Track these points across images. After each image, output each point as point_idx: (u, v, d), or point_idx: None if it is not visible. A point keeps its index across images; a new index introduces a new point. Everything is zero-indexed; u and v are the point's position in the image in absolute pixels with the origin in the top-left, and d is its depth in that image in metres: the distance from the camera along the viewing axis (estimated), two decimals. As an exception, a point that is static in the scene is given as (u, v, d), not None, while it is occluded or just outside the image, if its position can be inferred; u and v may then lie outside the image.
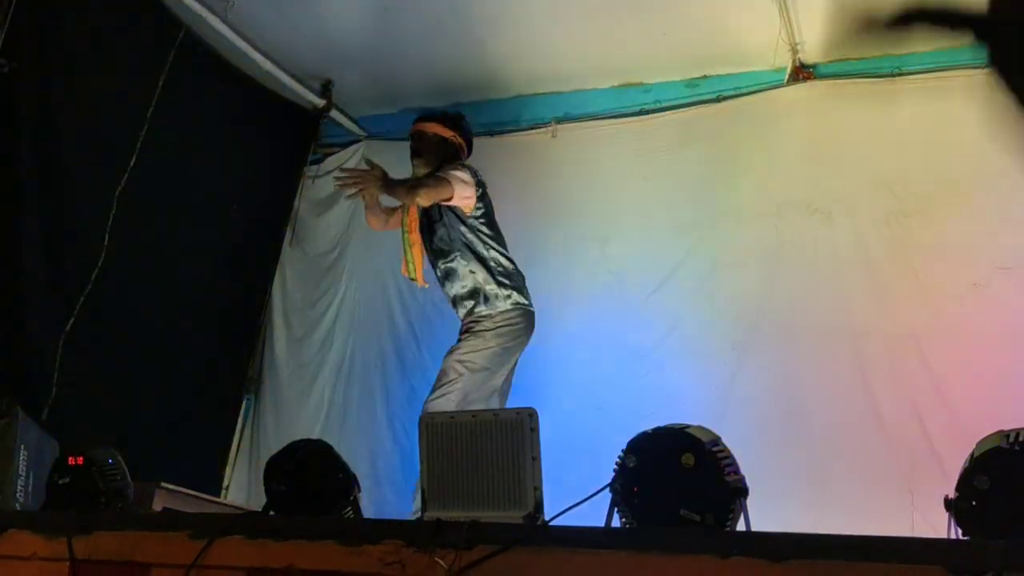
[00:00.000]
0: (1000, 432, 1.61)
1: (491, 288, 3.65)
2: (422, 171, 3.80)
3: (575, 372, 4.15)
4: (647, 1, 3.95)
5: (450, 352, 3.60)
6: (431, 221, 3.76)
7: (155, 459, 3.92)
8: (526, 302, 3.70)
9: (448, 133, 3.87)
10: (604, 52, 4.45)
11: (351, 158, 5.08)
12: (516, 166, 4.59)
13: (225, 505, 3.94)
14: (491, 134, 4.79)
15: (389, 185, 3.69)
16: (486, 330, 3.60)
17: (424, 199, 3.65)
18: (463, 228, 3.70)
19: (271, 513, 2.24)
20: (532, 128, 4.76)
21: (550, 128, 4.71)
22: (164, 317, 4.33)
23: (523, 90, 4.78)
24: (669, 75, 4.55)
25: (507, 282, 3.67)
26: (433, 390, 3.51)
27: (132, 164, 4.10)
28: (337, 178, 3.83)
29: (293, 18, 4.45)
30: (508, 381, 3.70)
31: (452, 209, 3.69)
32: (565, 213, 4.50)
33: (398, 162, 4.82)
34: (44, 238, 3.78)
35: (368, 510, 3.95)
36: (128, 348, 4.14)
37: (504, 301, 3.64)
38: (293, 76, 4.83)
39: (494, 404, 3.59)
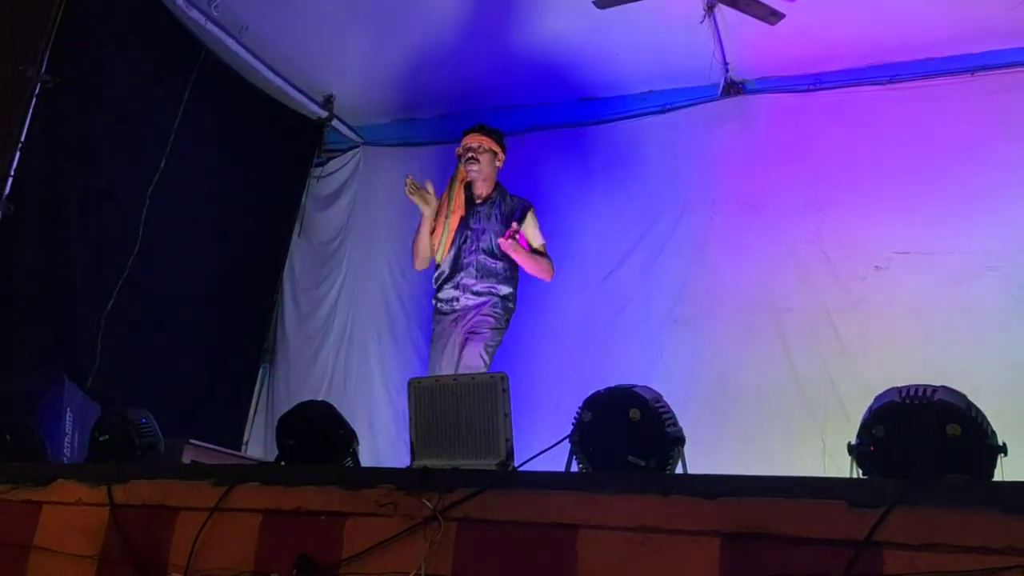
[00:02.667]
0: (894, 388, 1.62)
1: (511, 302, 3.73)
2: (480, 180, 3.79)
3: (543, 344, 4.16)
4: (603, 26, 3.92)
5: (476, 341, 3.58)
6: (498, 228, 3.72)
7: (184, 419, 3.92)
8: None
9: (499, 148, 3.88)
10: (565, 69, 4.43)
11: (350, 161, 5.06)
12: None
13: (244, 458, 3.93)
14: (470, 141, 4.77)
15: (523, 256, 3.69)
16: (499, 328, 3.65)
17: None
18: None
19: (282, 463, 2.23)
20: (505, 136, 4.72)
21: (519, 136, 4.68)
22: (191, 296, 4.31)
23: (498, 102, 4.75)
24: (622, 89, 4.53)
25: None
26: None
27: (162, 166, 4.07)
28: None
29: (300, 40, 4.41)
30: None
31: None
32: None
33: (392, 166, 4.83)
34: (87, 230, 3.77)
35: (366, 460, 3.97)
36: (160, 323, 4.12)
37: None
38: (300, 91, 4.79)
39: None
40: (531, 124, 4.66)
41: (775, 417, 3.70)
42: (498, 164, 3.88)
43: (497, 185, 3.87)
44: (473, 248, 3.71)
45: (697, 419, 3.55)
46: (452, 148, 4.26)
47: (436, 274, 3.80)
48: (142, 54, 3.99)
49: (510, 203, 3.82)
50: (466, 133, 3.88)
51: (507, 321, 3.71)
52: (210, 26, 4.16)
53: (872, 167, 3.86)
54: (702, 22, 3.90)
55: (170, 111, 4.12)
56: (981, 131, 3.73)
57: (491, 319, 3.64)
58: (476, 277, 3.68)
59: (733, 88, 4.32)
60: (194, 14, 4.10)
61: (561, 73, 4.49)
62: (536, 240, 3.80)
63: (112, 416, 2.56)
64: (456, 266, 3.72)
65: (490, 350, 3.60)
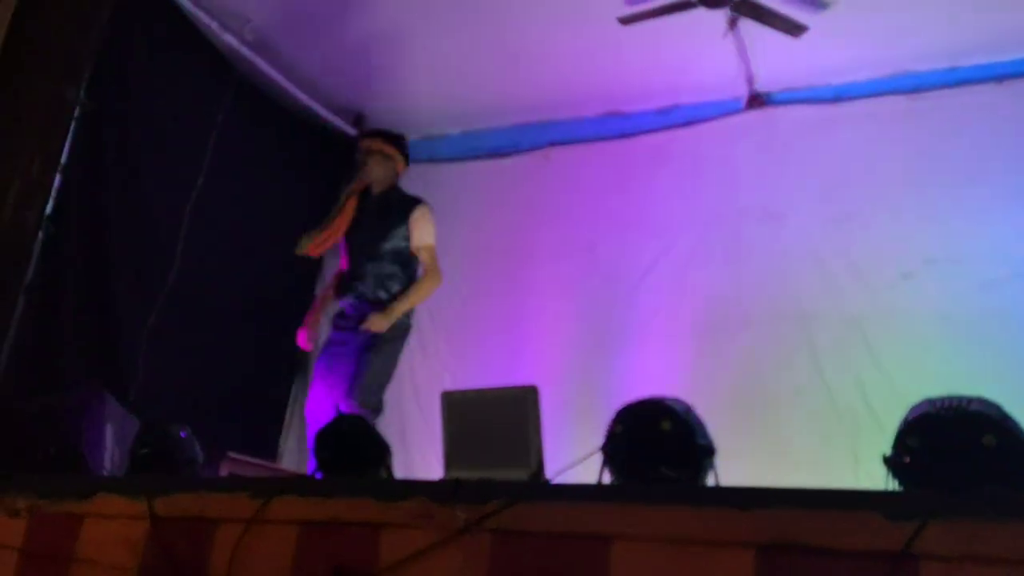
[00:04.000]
0: (928, 399, 1.59)
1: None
2: (373, 181, 3.79)
3: (573, 356, 4.14)
4: (626, 41, 3.92)
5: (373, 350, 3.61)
6: (385, 231, 3.72)
7: (222, 432, 3.95)
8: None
9: (391, 151, 3.84)
10: (587, 85, 4.44)
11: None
12: (515, 184, 4.60)
13: (280, 469, 3.94)
14: (496, 156, 4.80)
15: (402, 305, 3.70)
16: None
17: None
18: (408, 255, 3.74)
19: (319, 476, 2.24)
20: (529, 151, 4.74)
21: (545, 151, 4.70)
22: (229, 312, 4.36)
23: (522, 118, 4.77)
24: (644, 104, 4.52)
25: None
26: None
27: (199, 185, 4.13)
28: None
29: (329, 60, 4.46)
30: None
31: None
32: (558, 222, 4.49)
33: (419, 183, 4.83)
34: (128, 249, 3.84)
35: (399, 474, 3.98)
36: (200, 339, 4.17)
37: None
38: (330, 109, 4.84)
39: None
40: (556, 139, 4.66)
41: (806, 427, 3.67)
42: (397, 167, 3.85)
43: (394, 188, 3.84)
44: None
45: (726, 429, 3.48)
46: (477, 165, 4.29)
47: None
48: (178, 77, 4.06)
49: (399, 202, 3.77)
50: (360, 138, 3.93)
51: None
52: (243, 49, 4.22)
53: (898, 176, 3.82)
54: (725, 36, 3.88)
55: (205, 132, 4.18)
56: (1007, 138, 3.68)
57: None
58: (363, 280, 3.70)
59: (757, 101, 4.30)
60: (227, 38, 4.16)
61: (585, 88, 4.50)
62: (419, 241, 3.71)
63: (152, 430, 2.59)
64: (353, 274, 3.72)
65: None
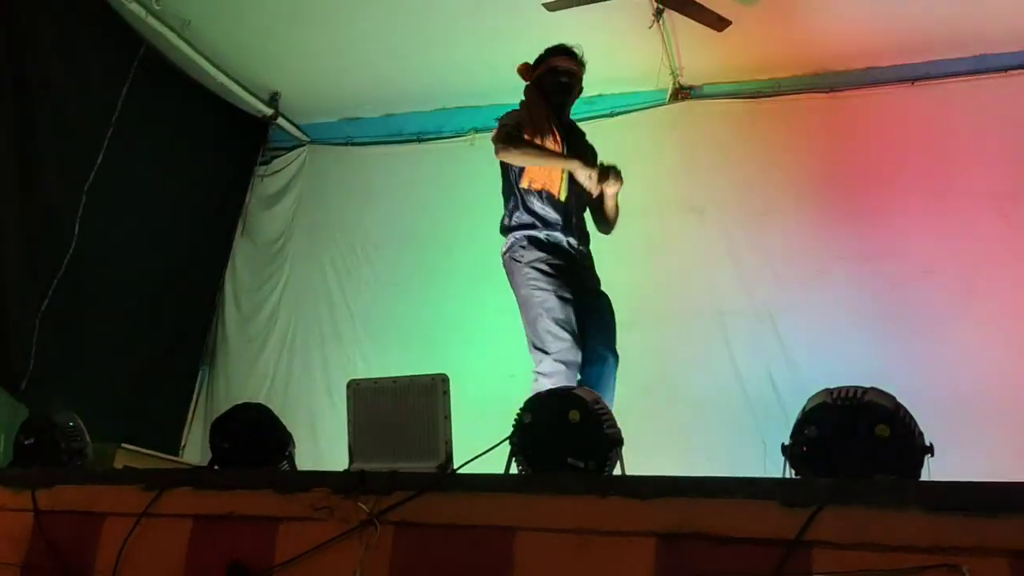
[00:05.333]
0: (826, 390, 1.65)
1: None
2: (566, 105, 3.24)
3: (490, 347, 4.14)
4: (549, 28, 3.93)
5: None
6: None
7: (122, 423, 3.83)
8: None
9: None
10: (513, 72, 4.43)
11: (295, 160, 4.99)
12: (439, 169, 4.57)
13: (180, 462, 3.84)
14: (419, 141, 4.76)
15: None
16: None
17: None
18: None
19: (215, 467, 2.19)
20: (454, 137, 4.72)
21: (469, 137, 4.68)
22: (130, 298, 4.23)
23: (447, 103, 4.74)
24: (571, 92, 4.55)
25: None
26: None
27: (99, 162, 3.98)
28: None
29: (245, 36, 4.35)
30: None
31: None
32: (480, 210, 4.46)
33: (337, 166, 4.79)
34: (21, 229, 3.66)
35: (308, 465, 3.91)
36: (98, 326, 4.04)
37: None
38: (244, 88, 4.72)
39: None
40: (480, 125, 4.65)
41: (719, 418, 3.76)
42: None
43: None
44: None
45: (644, 421, 3.60)
46: (399, 149, 4.24)
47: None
48: (79, 47, 3.90)
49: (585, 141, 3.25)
50: (552, 54, 3.29)
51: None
52: (151, 20, 4.07)
53: (815, 174, 3.95)
54: (651, 27, 3.93)
55: (108, 106, 4.03)
56: (917, 140, 3.85)
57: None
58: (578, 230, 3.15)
59: (682, 93, 4.38)
60: (134, 7, 4.01)
61: (510, 74, 4.48)
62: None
63: (38, 420, 2.48)
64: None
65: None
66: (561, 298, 2.97)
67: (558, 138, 3.15)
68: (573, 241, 3.12)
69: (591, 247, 3.18)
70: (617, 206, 3.22)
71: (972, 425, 3.27)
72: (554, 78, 3.24)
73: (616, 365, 3.04)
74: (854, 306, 3.72)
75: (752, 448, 3.40)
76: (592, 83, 4.48)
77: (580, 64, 3.28)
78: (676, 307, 4.00)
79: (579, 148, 3.24)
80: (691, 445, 3.67)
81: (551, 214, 3.08)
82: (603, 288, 3.78)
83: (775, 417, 3.51)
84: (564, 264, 3.05)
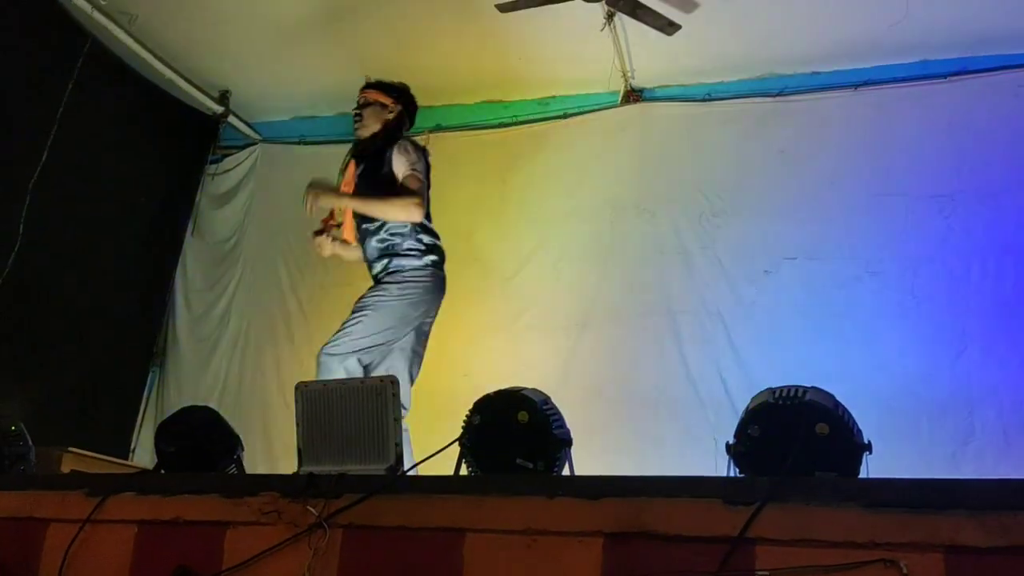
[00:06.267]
0: (769, 389, 1.68)
1: (409, 244, 3.17)
2: (364, 135, 3.30)
3: (442, 348, 4.11)
4: (502, 30, 3.94)
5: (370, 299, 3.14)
6: (372, 184, 3.21)
7: (69, 426, 3.74)
8: (440, 266, 3.25)
9: (388, 100, 3.36)
10: (470, 72, 4.44)
11: (247, 159, 4.92)
12: (393, 169, 4.53)
13: (130, 467, 3.76)
14: (373, 140, 4.72)
15: (362, 204, 3.16)
16: (394, 283, 3.13)
17: (421, 210, 3.15)
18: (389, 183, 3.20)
19: (161, 472, 2.14)
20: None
21: (424, 136, 4.65)
22: (77, 298, 4.13)
23: (401, 103, 4.71)
24: (524, 94, 4.56)
25: (423, 244, 3.20)
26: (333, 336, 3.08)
27: (44, 160, 3.87)
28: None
29: (194, 32, 4.27)
30: (421, 344, 3.21)
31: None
32: (435, 210, 4.44)
33: (290, 164, 4.71)
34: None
35: (262, 468, 3.87)
36: (44, 327, 3.94)
37: (418, 259, 3.17)
38: (193, 85, 4.63)
39: (398, 364, 3.10)
40: (433, 125, 4.63)
41: (672, 417, 3.79)
42: (388, 116, 3.33)
43: (382, 133, 3.32)
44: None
45: (597, 421, 3.64)
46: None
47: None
48: (22, 42, 3.79)
49: (380, 142, 3.27)
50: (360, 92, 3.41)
51: (405, 280, 3.12)
52: (97, 15, 3.97)
53: (762, 175, 4.02)
54: (602, 30, 3.95)
55: (53, 103, 3.92)
56: (862, 143, 3.93)
57: (383, 276, 3.18)
58: (365, 239, 3.23)
59: (633, 96, 4.41)
60: (80, 1, 3.91)
61: (464, 75, 4.49)
62: (400, 173, 3.18)
63: (-24, 424, 2.41)
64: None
65: (366, 308, 3.10)
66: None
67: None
68: None
69: None
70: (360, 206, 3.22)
71: (910, 424, 3.35)
72: None
73: None
74: (800, 305, 3.78)
75: (703, 446, 3.45)
76: (545, 85, 4.55)
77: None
78: (627, 307, 4.03)
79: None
80: (643, 444, 3.70)
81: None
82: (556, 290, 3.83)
83: (725, 415, 3.54)
84: None
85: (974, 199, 3.71)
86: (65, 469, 3.01)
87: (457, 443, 1.91)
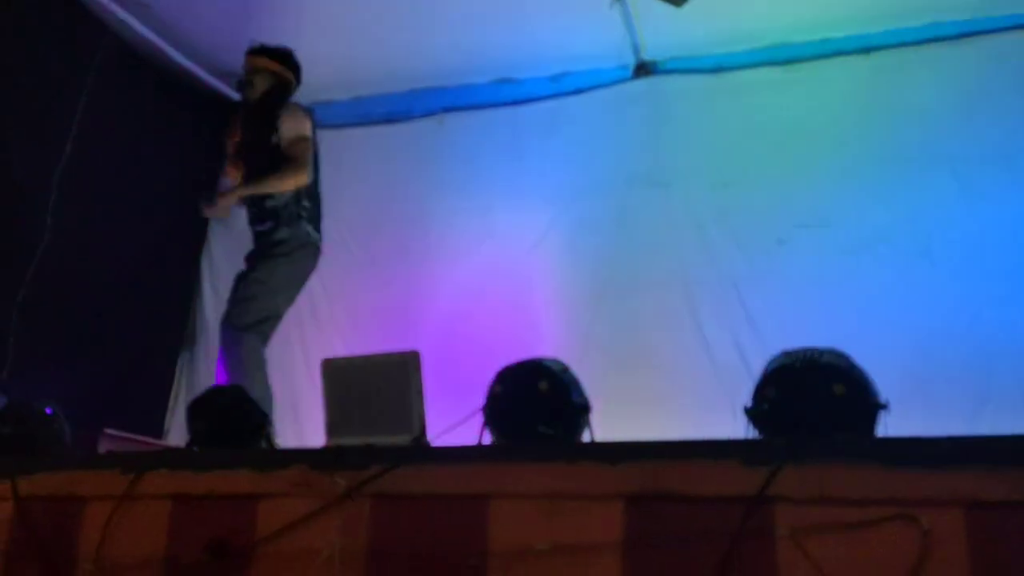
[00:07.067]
0: (784, 352, 1.66)
1: (292, 211, 3.46)
2: (253, 97, 3.59)
3: (463, 321, 4.14)
4: (512, 8, 3.90)
5: (249, 272, 3.50)
6: (257, 142, 3.52)
7: (105, 409, 3.77)
8: (317, 235, 3.56)
9: (277, 67, 3.64)
10: (481, 51, 4.40)
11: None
12: (408, 150, 4.53)
13: (161, 445, 3.81)
14: (388, 122, 4.71)
15: (252, 186, 3.46)
16: (282, 254, 3.46)
17: (306, 174, 3.44)
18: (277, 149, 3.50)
19: (193, 448, 2.17)
20: (423, 117, 4.67)
21: (438, 117, 4.64)
22: (107, 284, 4.14)
23: (415, 84, 4.68)
24: (535, 71, 4.51)
25: (306, 211, 3.49)
26: (232, 305, 3.44)
27: (68, 152, 3.89)
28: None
29: (209, 21, 4.25)
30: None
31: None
32: (451, 189, 4.46)
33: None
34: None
35: (291, 443, 3.89)
36: (76, 314, 3.95)
37: (301, 227, 3.48)
38: (212, 73, 4.62)
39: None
40: (448, 105, 4.61)
41: (689, 386, 3.77)
42: (280, 83, 3.62)
43: (270, 95, 3.61)
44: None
45: (615, 391, 3.61)
46: (367, 131, 4.19)
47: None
48: (42, 37, 3.79)
49: (271, 105, 3.55)
50: (245, 56, 3.70)
51: (291, 251, 3.48)
52: (113, 6, 3.97)
53: (773, 144, 3.96)
54: (611, 6, 3.91)
55: (74, 95, 3.92)
56: (872, 108, 3.87)
57: (269, 248, 3.51)
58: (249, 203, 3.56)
59: (644, 69, 4.35)
60: (96, -6, 3.92)
61: (478, 54, 4.45)
62: (289, 132, 3.47)
63: (15, 408, 2.45)
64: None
65: (264, 282, 3.48)
66: None
67: None
68: None
69: None
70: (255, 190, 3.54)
71: (928, 386, 3.32)
72: None
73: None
74: (815, 273, 3.75)
75: (720, 413, 3.41)
76: (556, 61, 4.50)
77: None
78: (643, 279, 4.01)
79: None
80: (660, 412, 3.68)
81: None
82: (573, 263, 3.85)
83: (742, 382, 3.49)
84: None
85: (988, 161, 3.64)
86: (102, 449, 3.05)
87: (480, 412, 1.92)
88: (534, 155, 4.41)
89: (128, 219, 4.28)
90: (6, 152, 3.66)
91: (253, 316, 3.43)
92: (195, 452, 2.14)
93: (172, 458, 2.08)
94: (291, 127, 3.45)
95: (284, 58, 3.68)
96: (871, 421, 1.58)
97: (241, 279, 3.56)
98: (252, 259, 3.58)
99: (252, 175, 3.50)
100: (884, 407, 1.58)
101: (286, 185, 3.42)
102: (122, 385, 4.25)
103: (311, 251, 3.58)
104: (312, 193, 3.58)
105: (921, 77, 3.83)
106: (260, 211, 3.53)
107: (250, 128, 3.57)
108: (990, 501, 1.37)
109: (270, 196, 3.46)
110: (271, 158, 3.44)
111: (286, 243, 3.49)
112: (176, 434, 4.46)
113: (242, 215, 4.84)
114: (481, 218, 4.37)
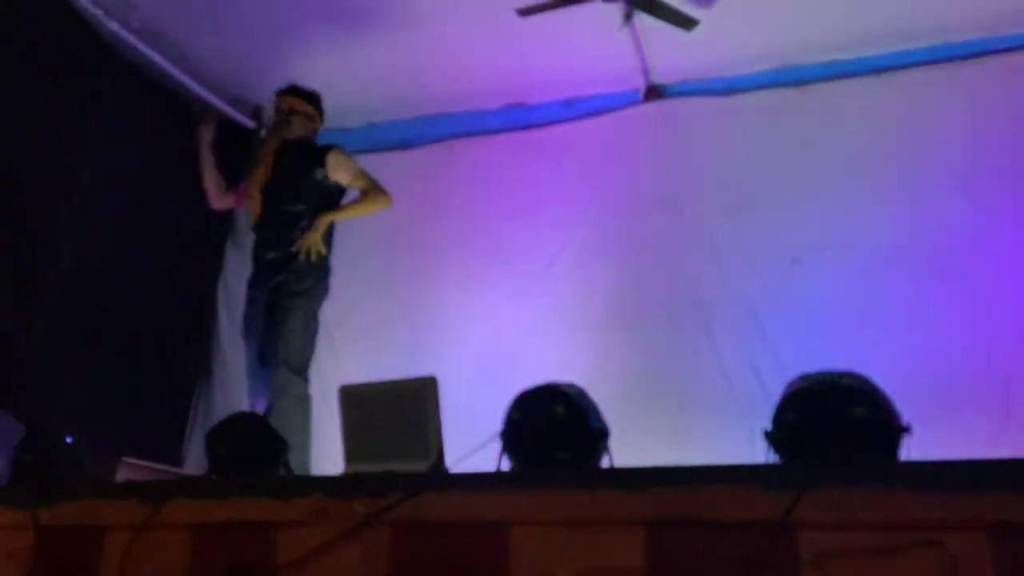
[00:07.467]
0: (803, 375, 1.66)
1: (326, 242, 3.74)
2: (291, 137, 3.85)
3: (476, 346, 4.14)
4: (526, 34, 3.94)
5: (294, 297, 3.61)
6: (295, 176, 3.76)
7: (121, 437, 3.79)
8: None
9: (313, 111, 3.93)
10: (491, 76, 4.44)
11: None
12: (420, 176, 4.56)
13: (182, 474, 3.82)
14: (401, 148, 4.76)
15: (343, 213, 3.79)
16: (322, 287, 3.72)
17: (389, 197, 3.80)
18: (325, 193, 3.77)
19: (212, 476, 2.18)
20: (433, 143, 4.71)
21: (449, 143, 4.68)
22: (124, 312, 4.16)
23: (427, 110, 4.73)
24: (546, 96, 4.55)
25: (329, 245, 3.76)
26: (278, 344, 3.56)
27: (83, 179, 3.93)
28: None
29: (225, 50, 4.32)
30: None
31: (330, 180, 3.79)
32: (463, 214, 4.48)
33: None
34: (6, 249, 3.61)
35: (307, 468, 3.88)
36: (91, 340, 3.97)
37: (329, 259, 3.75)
38: (226, 101, 4.69)
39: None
40: (460, 131, 4.65)
41: (706, 410, 3.75)
42: (314, 126, 3.94)
43: (309, 140, 3.93)
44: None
45: (631, 416, 3.57)
46: (381, 157, 4.23)
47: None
48: (57, 66, 3.84)
49: (313, 149, 3.85)
50: (278, 95, 3.93)
51: (320, 282, 3.71)
52: (126, 35, 4.04)
53: (786, 166, 3.97)
54: (621, 30, 3.94)
55: (88, 123, 3.98)
56: (886, 128, 3.88)
57: (299, 276, 3.66)
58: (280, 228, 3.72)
59: (654, 93, 4.39)
60: (113, 25, 3.98)
61: (488, 80, 4.50)
62: (349, 179, 3.81)
63: (36, 437, 2.47)
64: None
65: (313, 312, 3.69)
66: None
67: None
68: None
69: None
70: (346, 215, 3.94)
71: (947, 407, 3.30)
72: None
73: None
74: (829, 294, 3.74)
75: (738, 438, 3.41)
76: (566, 86, 4.54)
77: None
78: (656, 303, 4.01)
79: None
80: (678, 438, 3.67)
81: None
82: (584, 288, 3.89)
83: (760, 405, 3.47)
84: None
85: (1001, 180, 3.64)
86: (120, 478, 3.07)
87: (498, 438, 1.92)
88: (545, 180, 4.43)
89: (143, 245, 4.32)
90: (22, 179, 3.70)
91: (308, 356, 3.64)
92: (214, 480, 2.15)
93: (192, 487, 2.09)
94: (343, 163, 3.79)
95: (319, 103, 3.97)
96: (894, 444, 1.57)
97: (277, 313, 3.64)
98: (284, 293, 3.67)
99: (289, 212, 3.72)
100: (907, 430, 1.58)
101: (376, 209, 3.80)
102: (138, 413, 4.26)
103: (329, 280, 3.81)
104: (331, 226, 3.81)
105: (934, 97, 3.85)
106: (288, 242, 3.68)
107: (290, 168, 3.79)
108: (1016, 523, 1.36)
109: (301, 228, 3.66)
110: (320, 195, 3.74)
111: (320, 274, 3.72)
112: (193, 463, 4.47)
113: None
114: (493, 243, 4.39)
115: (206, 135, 3.94)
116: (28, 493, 2.28)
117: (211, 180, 4.03)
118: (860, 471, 1.50)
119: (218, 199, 4.10)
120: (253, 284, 3.81)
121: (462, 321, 4.14)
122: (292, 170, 3.75)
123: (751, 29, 3.94)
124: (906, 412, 1.68)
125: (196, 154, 4.01)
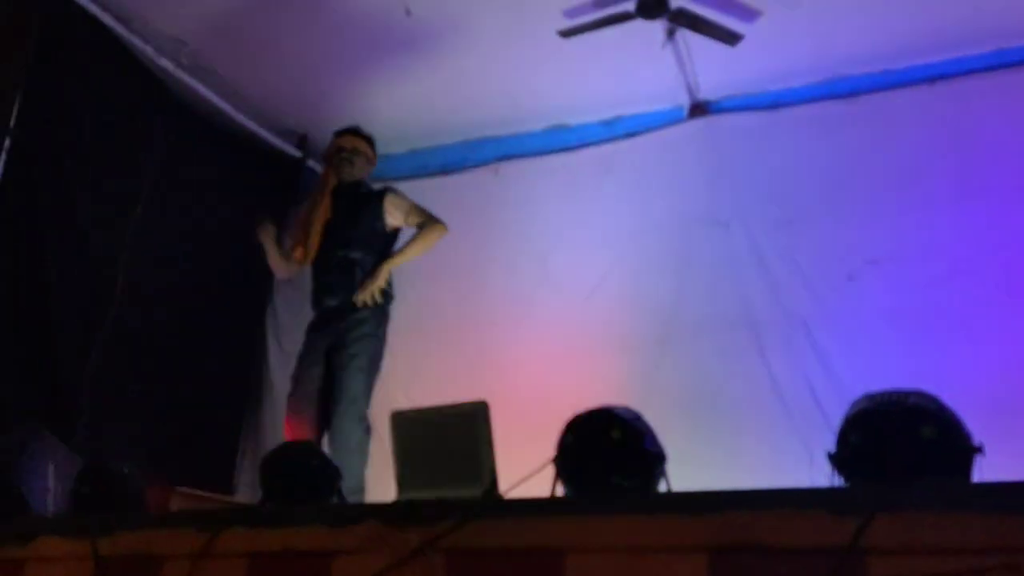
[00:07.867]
0: (867, 395, 1.62)
1: (388, 290, 3.80)
2: (349, 179, 3.89)
3: (524, 368, 4.13)
4: (567, 55, 3.96)
5: (356, 343, 3.66)
6: (353, 223, 3.81)
7: (175, 467, 3.86)
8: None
9: (372, 153, 4.01)
10: (534, 99, 4.47)
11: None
12: (465, 200, 4.57)
13: (232, 503, 3.87)
14: (444, 173, 4.80)
15: (402, 256, 3.81)
16: (380, 326, 3.77)
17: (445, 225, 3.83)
18: (383, 235, 3.82)
19: (267, 504, 2.20)
20: (478, 167, 4.75)
21: (493, 166, 4.71)
22: (176, 343, 4.26)
23: (470, 135, 4.78)
24: (588, 117, 4.56)
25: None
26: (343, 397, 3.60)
27: (138, 214, 4.04)
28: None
29: (271, 82, 4.44)
30: None
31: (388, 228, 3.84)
32: (509, 237, 4.50)
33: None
34: (66, 282, 3.71)
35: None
36: (146, 373, 4.07)
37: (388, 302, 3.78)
38: (274, 132, 4.80)
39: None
40: (503, 154, 4.68)
41: (760, 430, 3.70)
42: (370, 168, 4.02)
43: (363, 183, 3.99)
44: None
45: (682, 437, 3.50)
46: (426, 183, 4.27)
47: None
48: (112, 103, 3.97)
49: (369, 191, 3.92)
50: (339, 135, 3.98)
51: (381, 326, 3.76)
52: (181, 73, 4.17)
53: (838, 179, 3.91)
54: (664, 47, 3.94)
55: (142, 161, 4.10)
56: (939, 138, 3.80)
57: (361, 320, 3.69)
58: (335, 272, 3.77)
59: (699, 109, 4.37)
60: (163, 62, 4.11)
61: (530, 102, 4.53)
62: (403, 218, 3.85)
63: (94, 468, 2.52)
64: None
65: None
66: None
67: None
68: None
69: None
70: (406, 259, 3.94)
71: (1016, 421, 3.19)
72: None
73: None
74: (887, 309, 3.66)
75: (795, 458, 3.36)
76: (609, 105, 4.55)
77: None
78: (707, 321, 3.97)
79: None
80: (732, 459, 3.61)
81: None
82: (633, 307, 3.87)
83: (816, 424, 3.44)
84: None
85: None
86: (174, 507, 3.11)
87: (552, 464, 1.90)
88: (591, 200, 4.44)
89: (194, 278, 4.42)
90: (81, 220, 3.82)
91: (368, 399, 3.71)
92: (269, 508, 2.17)
93: (247, 515, 2.11)
94: (399, 204, 3.85)
95: (375, 146, 4.05)
96: (966, 466, 1.52)
97: (340, 357, 3.69)
98: (347, 339, 3.71)
99: (346, 257, 3.79)
100: (979, 451, 1.52)
101: (434, 242, 3.81)
102: (190, 442, 4.33)
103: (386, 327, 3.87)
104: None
105: (988, 105, 3.76)
106: (349, 288, 3.75)
107: (348, 212, 3.86)
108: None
109: (359, 274, 3.73)
110: (378, 240, 3.82)
111: (381, 319, 3.80)
112: (244, 491, 4.52)
113: (306, 271, 4.99)
114: (540, 265, 4.39)
115: (270, 234, 4.04)
116: (87, 524, 2.32)
117: (279, 265, 4.09)
118: (931, 494, 1.45)
119: (286, 271, 4.15)
120: (314, 327, 3.86)
121: (511, 344, 4.14)
122: (350, 215, 3.81)
123: (797, 41, 3.91)
124: (973, 431, 1.63)
125: (263, 248, 4.09)
